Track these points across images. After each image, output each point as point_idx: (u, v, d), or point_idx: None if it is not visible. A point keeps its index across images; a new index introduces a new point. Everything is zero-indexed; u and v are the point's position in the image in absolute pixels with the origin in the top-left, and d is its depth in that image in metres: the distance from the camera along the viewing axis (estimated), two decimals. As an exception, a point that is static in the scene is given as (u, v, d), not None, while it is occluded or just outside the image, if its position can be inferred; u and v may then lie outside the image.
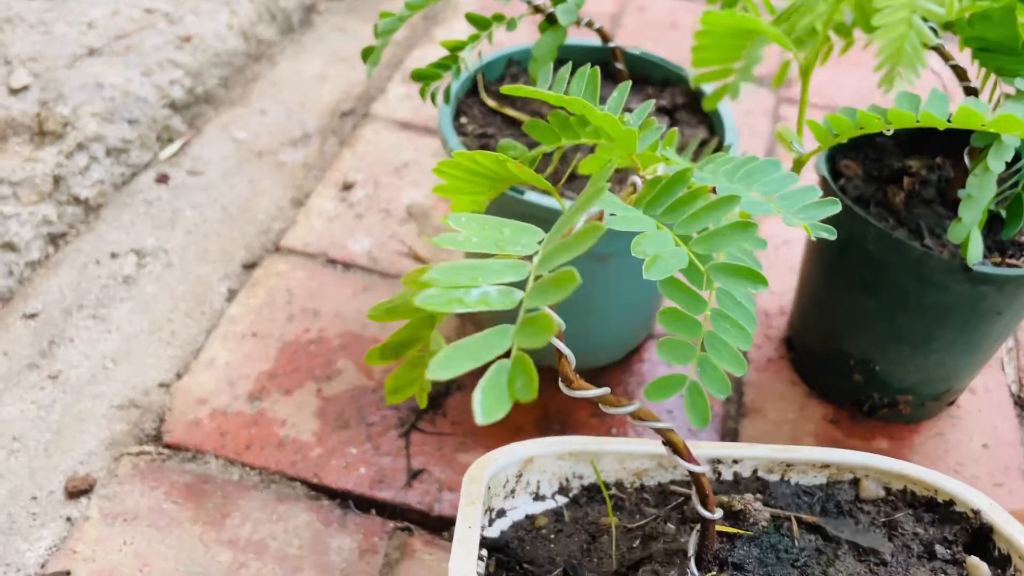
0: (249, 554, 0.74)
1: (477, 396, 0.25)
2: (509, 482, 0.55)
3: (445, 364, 0.25)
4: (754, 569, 0.48)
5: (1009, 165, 0.76)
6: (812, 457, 0.56)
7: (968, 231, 0.70)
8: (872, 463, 0.56)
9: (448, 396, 0.88)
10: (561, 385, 0.42)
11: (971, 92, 0.73)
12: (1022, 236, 0.78)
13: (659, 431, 0.44)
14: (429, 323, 0.48)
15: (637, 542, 0.51)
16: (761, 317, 0.99)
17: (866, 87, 1.39)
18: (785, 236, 1.10)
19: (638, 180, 0.45)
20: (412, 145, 1.19)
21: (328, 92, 1.28)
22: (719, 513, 0.47)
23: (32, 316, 0.92)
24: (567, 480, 0.57)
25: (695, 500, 0.46)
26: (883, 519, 0.54)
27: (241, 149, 1.16)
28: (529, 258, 0.30)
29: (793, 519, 0.52)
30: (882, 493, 0.56)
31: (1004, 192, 0.77)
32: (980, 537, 0.53)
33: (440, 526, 0.78)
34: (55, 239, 0.99)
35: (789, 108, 1.32)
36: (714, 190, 0.42)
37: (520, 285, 0.28)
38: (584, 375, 0.89)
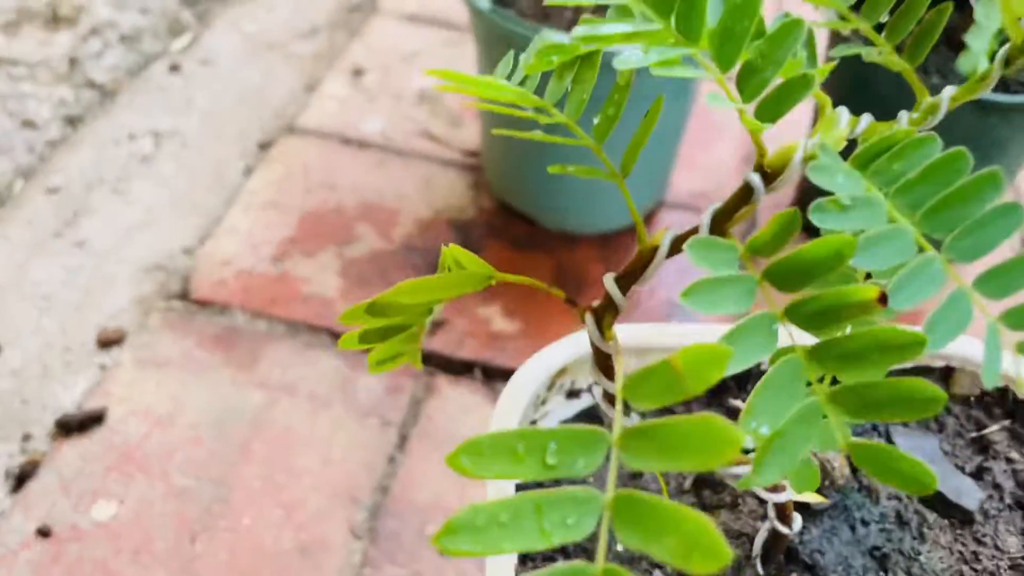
0: (280, 393, 0.76)
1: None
2: (540, 395, 0.49)
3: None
4: (829, 565, 0.43)
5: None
6: None
7: (977, 59, 0.71)
8: (972, 355, 0.50)
9: (466, 257, 0.89)
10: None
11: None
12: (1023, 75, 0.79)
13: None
14: (426, 311, 0.40)
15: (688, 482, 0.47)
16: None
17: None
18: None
19: (843, 111, 0.32)
20: (421, 35, 1.20)
21: (335, -9, 1.29)
22: (798, 524, 0.41)
23: (54, 191, 0.93)
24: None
25: (772, 515, 0.41)
26: (973, 432, 0.49)
27: (251, 41, 1.17)
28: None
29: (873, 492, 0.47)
30: (977, 390, 0.50)
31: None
32: None
33: (463, 369, 0.80)
34: (73, 121, 1.01)
35: None
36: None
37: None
38: (596, 238, 0.91)
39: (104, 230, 0.90)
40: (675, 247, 0.31)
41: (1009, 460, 0.48)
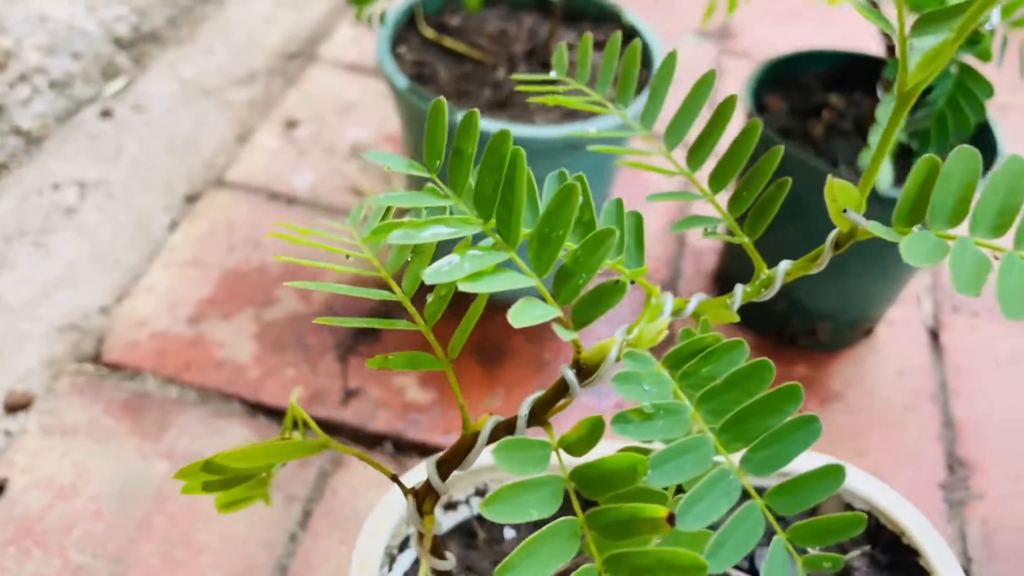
0: (186, 464, 0.76)
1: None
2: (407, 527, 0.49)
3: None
4: None
5: (923, 97, 0.80)
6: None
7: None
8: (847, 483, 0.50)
9: (386, 322, 0.90)
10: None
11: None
12: (932, 167, 0.81)
13: None
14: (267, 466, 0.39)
15: None
16: (694, 256, 1.02)
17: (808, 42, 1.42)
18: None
19: (668, 299, 0.34)
20: (358, 86, 1.20)
21: (276, 34, 1.29)
22: None
23: (-28, 242, 0.92)
24: (485, 485, 0.52)
25: None
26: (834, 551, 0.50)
27: (187, 87, 1.17)
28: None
29: None
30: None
31: (917, 124, 0.80)
32: None
33: (374, 441, 0.80)
34: (-4, 168, 1.00)
35: (731, 60, 1.35)
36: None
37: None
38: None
39: (21, 285, 0.89)
40: (496, 435, 0.32)
41: None
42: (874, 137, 0.72)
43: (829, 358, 0.91)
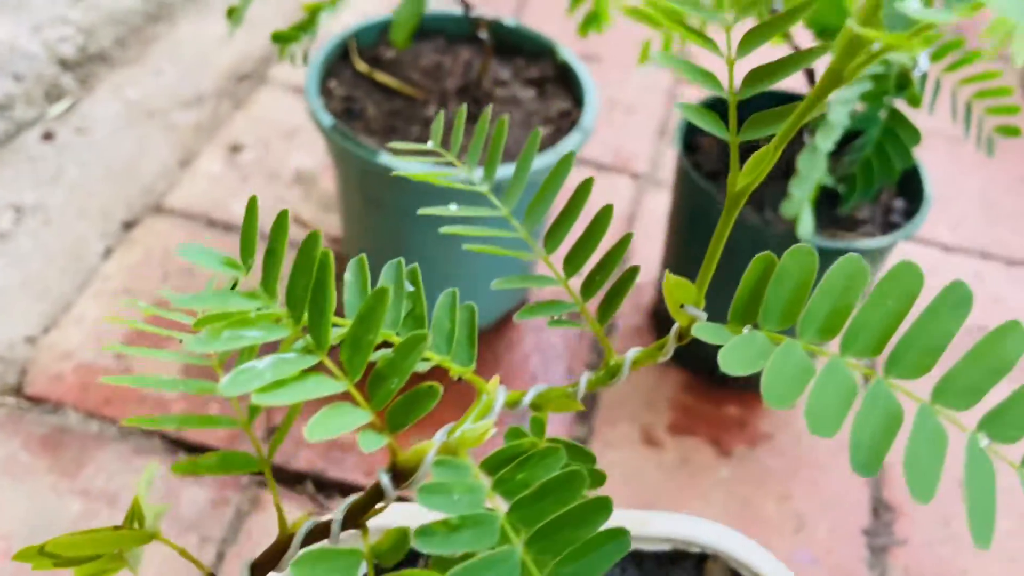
0: (100, 503, 0.75)
1: None
2: None
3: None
4: None
5: (846, 143, 0.80)
6: (660, 532, 0.51)
7: (798, 207, 0.73)
8: (724, 547, 0.51)
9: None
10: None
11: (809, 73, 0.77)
12: (859, 213, 0.81)
13: None
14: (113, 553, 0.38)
15: None
16: (632, 291, 1.02)
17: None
18: (653, 204, 1.13)
19: (499, 394, 0.32)
20: (305, 110, 1.20)
21: (228, 55, 1.28)
22: None
23: (-99, 268, 0.92)
24: None
25: None
26: None
27: (132, 109, 1.16)
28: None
29: None
30: None
31: (845, 170, 0.80)
32: None
33: (295, 480, 0.80)
34: (-70, 192, 0.99)
35: (687, 88, 1.35)
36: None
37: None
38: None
39: (-53, 314, 0.88)
40: (313, 536, 0.31)
41: None
42: (796, 189, 0.72)
43: (760, 398, 0.91)
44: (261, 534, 0.75)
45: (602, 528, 0.29)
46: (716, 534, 0.51)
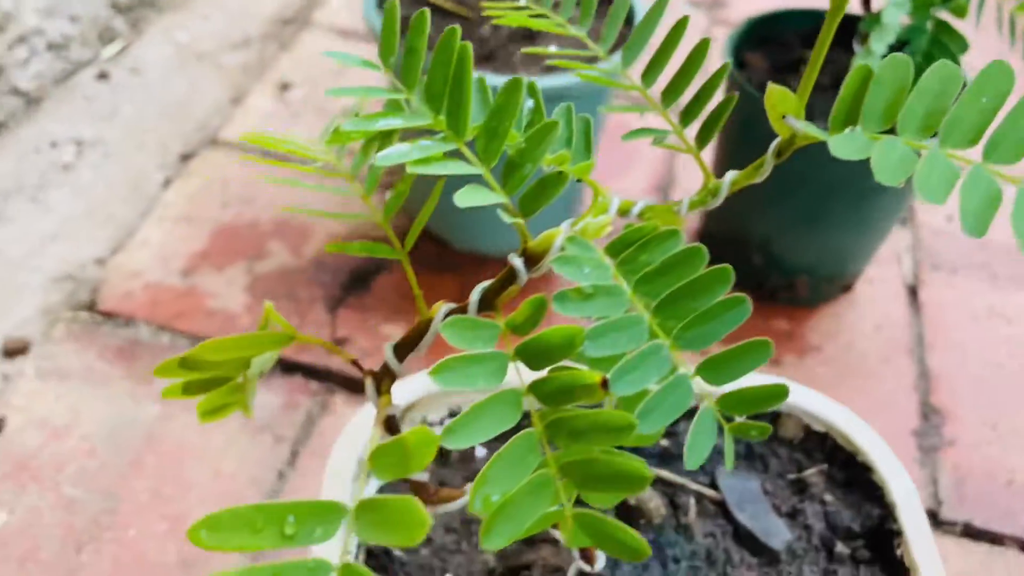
0: (176, 407, 0.78)
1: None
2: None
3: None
4: None
5: (899, 50, 0.81)
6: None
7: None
8: (799, 403, 0.53)
9: (377, 274, 0.92)
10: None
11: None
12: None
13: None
14: (243, 365, 0.41)
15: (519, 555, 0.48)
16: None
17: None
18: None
19: (614, 199, 0.36)
20: (351, 51, 1.22)
21: (270, 1, 1.31)
22: (601, 562, 0.44)
23: (-29, 197, 0.95)
24: (458, 406, 0.55)
25: (577, 559, 0.44)
26: (793, 474, 0.52)
27: (182, 51, 1.19)
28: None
29: (693, 504, 0.51)
30: (801, 434, 0.53)
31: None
32: (885, 535, 0.49)
33: (361, 388, 0.82)
34: (-5, 127, 1.02)
35: (722, 29, 1.37)
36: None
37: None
38: (504, 261, 0.94)
39: (19, 238, 0.91)
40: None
41: (823, 502, 0.52)
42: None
43: (808, 313, 0.93)
44: (333, 434, 0.78)
45: (721, 297, 0.31)
46: (797, 393, 0.54)
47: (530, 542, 0.48)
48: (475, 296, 0.33)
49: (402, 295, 0.90)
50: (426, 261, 0.93)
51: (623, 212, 0.36)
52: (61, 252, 0.91)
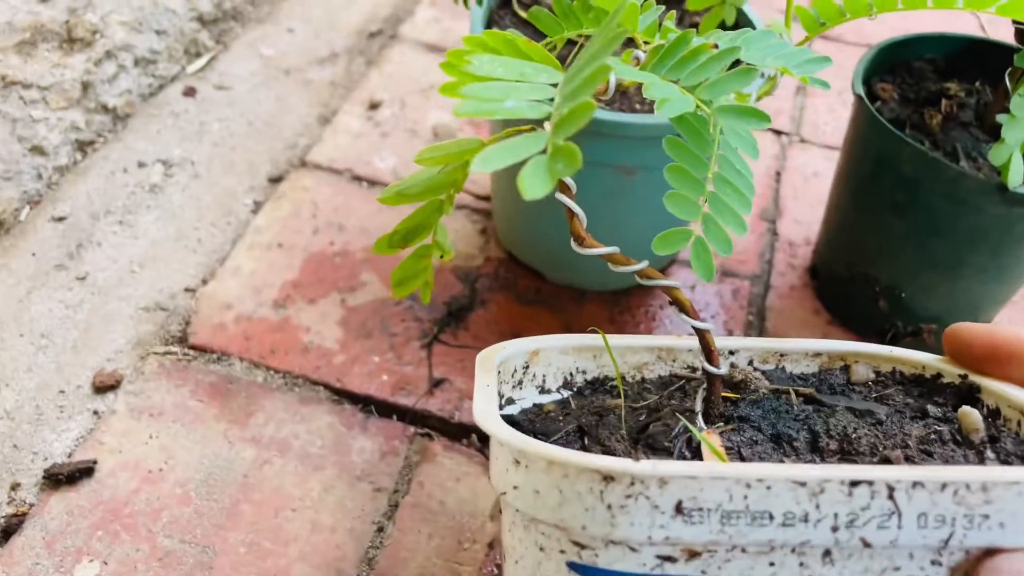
0: (272, 451, 0.75)
1: (522, 178, 0.27)
2: (517, 372, 0.57)
3: (487, 160, 0.27)
4: (759, 422, 0.50)
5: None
6: (804, 347, 0.57)
7: (1011, 152, 0.69)
8: (861, 349, 0.58)
9: (471, 311, 0.88)
10: (572, 244, 0.45)
11: None
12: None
13: (665, 289, 0.47)
14: (438, 209, 0.51)
15: (643, 416, 0.53)
16: (785, 246, 0.98)
17: (902, 27, 1.36)
18: (814, 168, 1.08)
19: (640, 54, 0.47)
20: (439, 67, 1.18)
21: (356, 13, 1.27)
22: (724, 368, 0.50)
23: (60, 219, 0.92)
24: (571, 375, 0.59)
25: (701, 358, 0.50)
26: (875, 395, 0.55)
27: (268, 66, 1.16)
28: (553, 85, 0.33)
29: (792, 390, 0.54)
30: (872, 376, 0.57)
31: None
32: (968, 397, 0.53)
33: (460, 433, 0.78)
34: (83, 146, 1.00)
35: (821, 44, 1.30)
36: (716, 47, 0.44)
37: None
38: (607, 296, 0.90)
39: (108, 264, 0.89)
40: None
41: (907, 403, 0.54)
42: (1008, 133, 0.67)
43: (933, 360, 0.87)
44: (432, 485, 0.74)
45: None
46: (855, 344, 0.58)
47: (651, 412, 0.52)
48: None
49: (500, 332, 0.86)
50: (522, 294, 0.89)
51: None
52: (151, 279, 0.88)
